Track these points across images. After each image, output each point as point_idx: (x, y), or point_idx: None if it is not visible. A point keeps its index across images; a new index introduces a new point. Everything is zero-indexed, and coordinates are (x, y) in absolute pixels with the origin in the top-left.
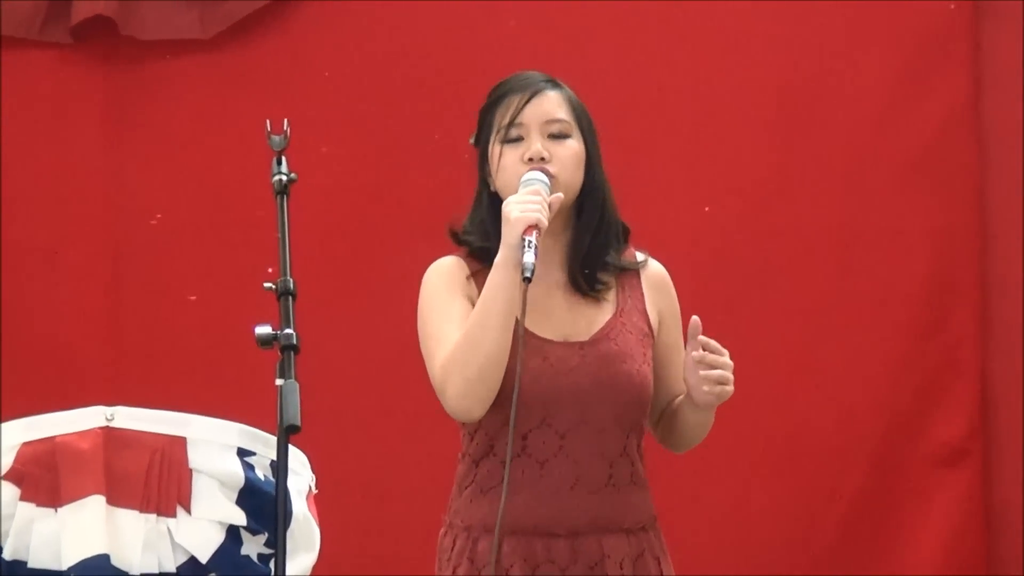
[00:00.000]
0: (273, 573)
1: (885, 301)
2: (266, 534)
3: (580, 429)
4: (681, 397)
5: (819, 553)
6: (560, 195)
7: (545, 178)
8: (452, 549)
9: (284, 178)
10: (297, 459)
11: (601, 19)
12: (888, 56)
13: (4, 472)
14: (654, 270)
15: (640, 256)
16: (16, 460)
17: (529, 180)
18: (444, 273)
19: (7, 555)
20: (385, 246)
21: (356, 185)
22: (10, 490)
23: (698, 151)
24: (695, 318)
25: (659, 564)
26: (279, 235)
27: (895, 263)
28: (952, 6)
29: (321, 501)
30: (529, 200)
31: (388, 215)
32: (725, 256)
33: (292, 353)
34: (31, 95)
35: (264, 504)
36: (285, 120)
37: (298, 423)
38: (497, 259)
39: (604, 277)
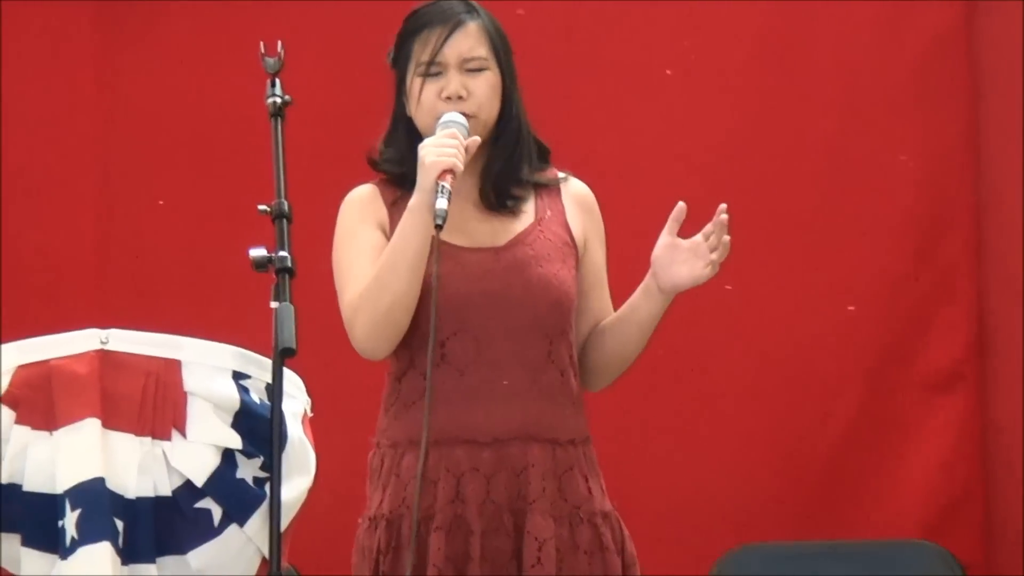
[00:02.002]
0: (268, 496)
1: (879, 224)
2: (261, 457)
3: (498, 334)
4: (631, 298)
5: (814, 478)
6: (477, 139)
7: (463, 120)
8: (381, 468)
9: (278, 100)
10: (292, 382)
11: None
12: None
13: (0, 395)
14: (577, 189)
15: (562, 175)
16: (12, 383)
17: (447, 122)
18: (357, 203)
19: (3, 478)
20: None
21: (352, 107)
22: (6, 413)
23: (689, 71)
24: (681, 203)
25: (587, 481)
26: (274, 158)
27: (889, 186)
28: None
29: (316, 424)
30: (445, 144)
31: None
32: (715, 181)
33: (287, 276)
34: (24, 18)
35: (259, 427)
36: (279, 42)
37: (293, 346)
38: (411, 203)
39: (518, 192)
